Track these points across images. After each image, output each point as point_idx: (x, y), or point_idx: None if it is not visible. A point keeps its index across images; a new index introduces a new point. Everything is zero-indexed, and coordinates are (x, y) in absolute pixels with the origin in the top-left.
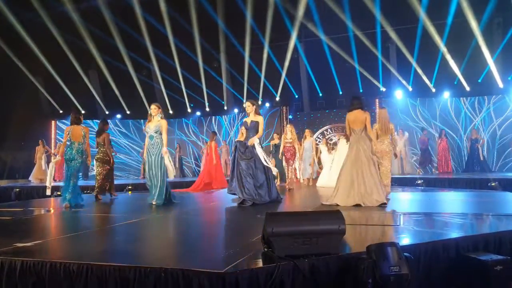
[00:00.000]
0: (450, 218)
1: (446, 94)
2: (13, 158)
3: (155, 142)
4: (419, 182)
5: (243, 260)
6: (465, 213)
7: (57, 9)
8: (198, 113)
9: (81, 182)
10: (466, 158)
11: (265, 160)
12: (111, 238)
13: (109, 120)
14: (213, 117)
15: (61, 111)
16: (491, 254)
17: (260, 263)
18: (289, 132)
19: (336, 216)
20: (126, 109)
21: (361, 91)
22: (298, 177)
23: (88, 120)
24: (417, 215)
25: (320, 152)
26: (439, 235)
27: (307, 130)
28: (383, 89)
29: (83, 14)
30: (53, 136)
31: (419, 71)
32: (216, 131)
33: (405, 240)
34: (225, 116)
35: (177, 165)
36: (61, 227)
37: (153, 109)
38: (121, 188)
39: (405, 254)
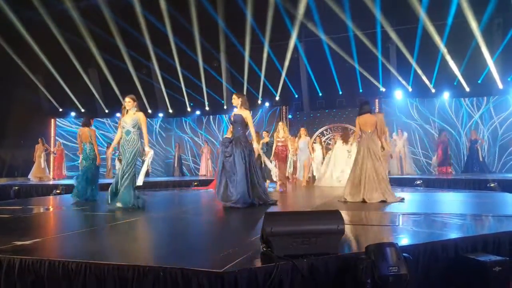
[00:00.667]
0: (449, 219)
1: (446, 95)
2: (12, 156)
3: (131, 138)
4: (418, 182)
5: (242, 260)
6: (464, 213)
7: (57, 7)
8: (198, 112)
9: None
10: (465, 158)
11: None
12: (110, 236)
13: (108, 118)
14: (212, 116)
15: (60, 110)
16: (490, 255)
17: (259, 263)
18: (281, 130)
19: (335, 216)
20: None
21: (360, 91)
22: (298, 176)
23: None
24: (416, 216)
25: (314, 151)
26: (438, 235)
27: (302, 129)
28: (383, 89)
29: (83, 12)
30: (52, 134)
31: (419, 71)
32: (217, 130)
33: (404, 240)
34: (225, 115)
35: (176, 165)
36: (60, 226)
37: (128, 102)
38: None
39: (404, 254)
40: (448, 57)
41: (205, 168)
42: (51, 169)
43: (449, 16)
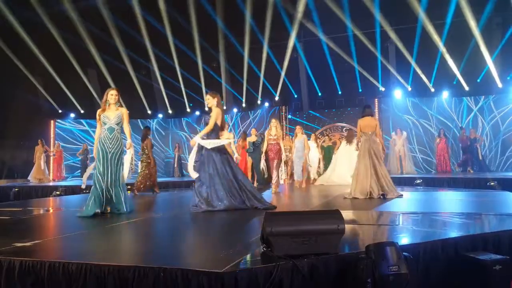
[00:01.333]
0: (449, 218)
1: (445, 94)
2: (12, 158)
3: (115, 137)
4: (418, 181)
5: (242, 260)
6: (464, 212)
7: (56, 8)
8: (197, 113)
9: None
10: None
11: (193, 164)
12: (110, 237)
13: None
14: None
15: (60, 111)
16: (490, 253)
17: (259, 263)
18: (274, 128)
19: (335, 216)
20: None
21: (360, 90)
22: (297, 178)
23: (87, 120)
24: (416, 215)
25: (309, 149)
26: (438, 234)
27: (297, 127)
28: (382, 88)
29: (82, 13)
30: (52, 135)
31: (418, 70)
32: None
33: (404, 239)
34: (225, 115)
35: (175, 165)
36: (60, 227)
37: (114, 95)
38: None
39: (404, 253)
40: (447, 56)
41: None
42: (51, 171)
43: (448, 16)
